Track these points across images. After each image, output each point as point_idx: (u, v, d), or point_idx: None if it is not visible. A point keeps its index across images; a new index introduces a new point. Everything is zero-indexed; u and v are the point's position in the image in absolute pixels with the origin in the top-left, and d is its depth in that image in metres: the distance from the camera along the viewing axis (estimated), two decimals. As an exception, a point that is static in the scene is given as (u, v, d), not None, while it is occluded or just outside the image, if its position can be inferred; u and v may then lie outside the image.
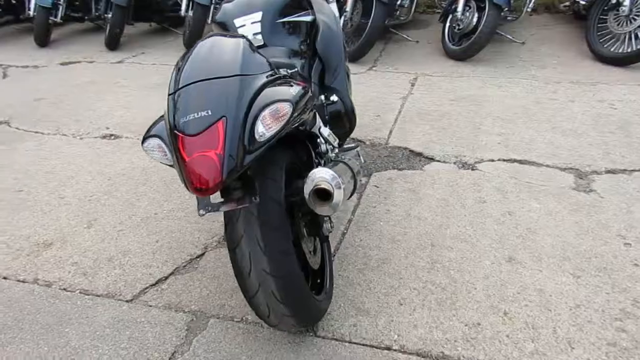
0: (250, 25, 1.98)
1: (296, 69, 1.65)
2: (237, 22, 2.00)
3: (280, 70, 1.54)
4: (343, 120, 2.20)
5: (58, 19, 5.39)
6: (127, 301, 1.93)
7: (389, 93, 3.65)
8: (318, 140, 1.69)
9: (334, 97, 2.14)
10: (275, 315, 1.47)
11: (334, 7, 2.39)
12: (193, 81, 1.31)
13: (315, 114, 1.70)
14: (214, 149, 1.21)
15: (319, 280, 1.78)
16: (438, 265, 1.98)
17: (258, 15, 1.99)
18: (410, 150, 2.86)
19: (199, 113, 1.24)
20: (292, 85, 1.41)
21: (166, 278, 2.03)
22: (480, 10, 4.00)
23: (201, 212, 1.35)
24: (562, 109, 3.19)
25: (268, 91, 1.34)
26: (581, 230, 2.11)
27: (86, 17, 5.69)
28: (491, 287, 1.85)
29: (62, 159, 3.02)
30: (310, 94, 1.51)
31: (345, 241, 2.16)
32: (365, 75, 4.05)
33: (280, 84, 1.40)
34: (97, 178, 2.79)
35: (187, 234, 2.26)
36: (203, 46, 1.42)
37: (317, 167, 1.71)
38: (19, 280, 2.06)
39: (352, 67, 4.18)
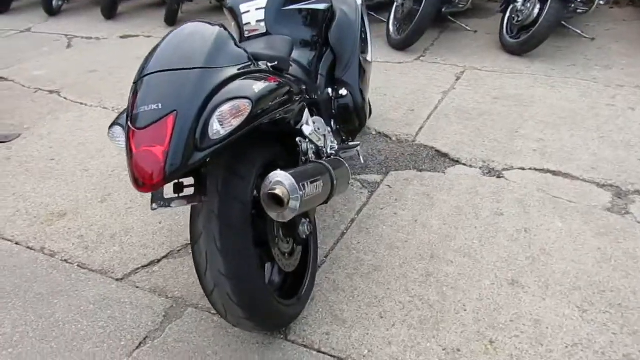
0: (254, 11, 1.91)
1: (274, 63, 1.56)
2: (243, 7, 1.94)
3: (260, 63, 1.47)
4: (351, 117, 2.10)
5: (124, -7, 5.62)
6: (117, 280, 1.97)
7: (430, 86, 3.45)
8: (298, 139, 1.60)
9: (343, 91, 2.04)
10: (232, 316, 1.43)
11: (359, -6, 2.26)
12: (154, 71, 1.27)
13: (303, 109, 1.62)
14: (160, 144, 1.17)
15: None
16: (432, 279, 1.85)
17: (263, 1, 1.91)
18: (436, 150, 2.69)
19: (150, 106, 1.20)
20: (261, 80, 1.33)
21: (159, 261, 2.05)
22: (544, 1, 3.66)
23: (153, 206, 1.33)
24: (617, 116, 2.87)
25: (231, 86, 1.27)
26: (603, 257, 1.89)
27: (151, -8, 5.87)
28: (483, 310, 1.70)
29: (96, 131, 3.14)
30: (287, 88, 1.43)
31: (342, 242, 2.07)
32: (411, 65, 3.86)
33: (248, 79, 1.33)
34: (123, 153, 2.85)
35: (188, 218, 2.25)
36: (176, 35, 1.37)
37: (301, 165, 1.64)
38: (28, 247, 2.17)
39: (398, 56, 4.02)
